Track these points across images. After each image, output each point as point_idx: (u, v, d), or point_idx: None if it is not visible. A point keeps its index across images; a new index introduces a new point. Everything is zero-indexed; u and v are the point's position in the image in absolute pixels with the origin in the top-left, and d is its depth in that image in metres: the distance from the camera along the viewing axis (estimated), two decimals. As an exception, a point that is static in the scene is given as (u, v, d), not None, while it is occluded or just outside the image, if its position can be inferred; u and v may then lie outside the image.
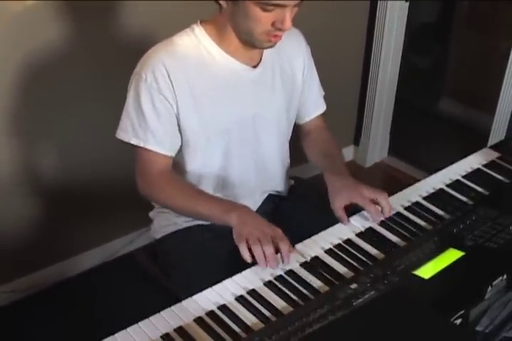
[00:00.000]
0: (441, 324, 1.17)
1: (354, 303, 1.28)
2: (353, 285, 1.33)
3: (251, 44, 1.60)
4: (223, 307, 1.34)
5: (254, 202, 1.81)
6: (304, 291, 1.39)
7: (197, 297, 1.38)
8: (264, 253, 1.43)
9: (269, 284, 1.41)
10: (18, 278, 2.60)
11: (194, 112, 1.64)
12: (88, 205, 2.66)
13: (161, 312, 1.33)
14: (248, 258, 1.44)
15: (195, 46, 1.64)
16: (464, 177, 1.82)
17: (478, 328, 1.25)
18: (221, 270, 1.51)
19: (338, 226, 1.62)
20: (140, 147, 1.65)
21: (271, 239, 1.45)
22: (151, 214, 1.92)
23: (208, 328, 1.29)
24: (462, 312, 1.23)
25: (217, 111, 1.67)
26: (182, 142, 1.69)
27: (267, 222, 1.52)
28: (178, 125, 1.65)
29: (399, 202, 1.71)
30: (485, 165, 1.88)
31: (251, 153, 1.78)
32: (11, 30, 2.17)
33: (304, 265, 1.47)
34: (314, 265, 1.47)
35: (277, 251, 1.45)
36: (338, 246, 1.54)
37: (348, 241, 1.55)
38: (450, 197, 1.74)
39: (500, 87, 2.76)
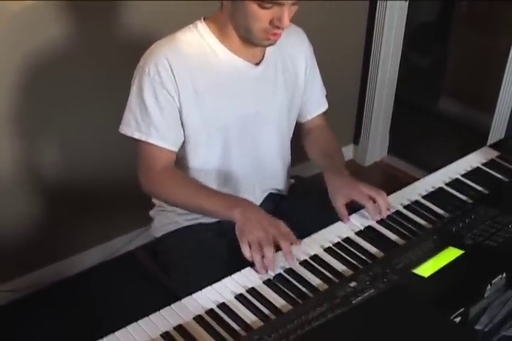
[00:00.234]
0: (441, 322, 1.17)
1: (353, 301, 1.28)
2: (353, 284, 1.33)
3: (250, 41, 1.61)
4: (223, 306, 1.34)
5: (254, 200, 1.81)
6: (304, 289, 1.39)
7: (197, 295, 1.38)
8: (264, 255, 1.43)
9: (268, 282, 1.41)
10: (19, 277, 2.60)
11: (196, 107, 1.64)
12: (88, 204, 2.66)
13: (161, 311, 1.33)
14: (249, 258, 1.44)
15: (198, 42, 1.64)
16: (463, 176, 1.82)
17: (478, 327, 1.25)
18: (221, 268, 1.51)
19: (337, 225, 1.62)
20: (143, 141, 1.65)
21: (272, 239, 1.45)
22: (151, 212, 1.92)
23: (208, 326, 1.29)
24: (462, 310, 1.24)
25: (219, 108, 1.67)
26: (184, 137, 1.69)
27: (270, 218, 1.51)
28: (181, 120, 1.66)
29: (398, 200, 1.71)
30: (484, 164, 1.88)
31: (251, 150, 1.78)
32: (11, 29, 2.17)
33: (304, 263, 1.47)
34: (313, 263, 1.47)
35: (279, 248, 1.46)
36: (338, 244, 1.54)
37: (348, 240, 1.56)
38: (449, 196, 1.74)
39: (500, 86, 2.76)
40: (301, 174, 2.13)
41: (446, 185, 1.78)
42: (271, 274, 1.43)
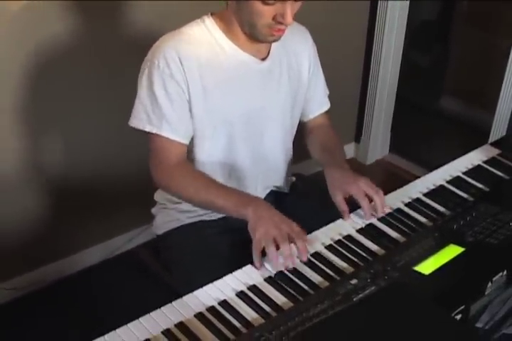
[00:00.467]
0: (442, 319, 1.17)
1: (354, 299, 1.28)
2: (354, 281, 1.33)
3: (255, 37, 1.62)
4: (224, 303, 1.34)
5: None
6: (304, 287, 1.39)
7: (198, 292, 1.38)
8: (275, 253, 1.43)
9: (269, 280, 1.41)
10: (20, 275, 2.61)
11: (202, 100, 1.64)
12: (89, 203, 2.67)
13: (162, 308, 1.33)
14: (257, 262, 1.44)
15: (206, 36, 1.65)
16: (464, 173, 1.82)
17: (478, 325, 1.26)
18: (222, 266, 1.50)
19: (338, 222, 1.62)
20: (154, 134, 1.65)
21: (287, 237, 1.45)
22: (153, 210, 1.92)
23: (209, 324, 1.29)
24: (462, 307, 1.24)
25: (225, 102, 1.67)
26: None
27: (283, 217, 1.51)
28: (189, 112, 1.66)
29: (399, 198, 1.71)
30: (485, 162, 1.88)
31: (255, 145, 1.78)
32: (13, 29, 2.18)
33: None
34: (314, 260, 1.47)
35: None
36: (339, 241, 1.54)
37: (349, 237, 1.56)
38: (450, 194, 1.74)
39: (501, 85, 2.76)
40: (303, 172, 2.13)
41: (447, 182, 1.78)
42: (272, 272, 1.43)
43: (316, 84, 1.90)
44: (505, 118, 2.80)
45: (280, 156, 1.87)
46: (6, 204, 2.45)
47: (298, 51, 1.81)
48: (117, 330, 1.27)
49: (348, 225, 1.61)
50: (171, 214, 1.84)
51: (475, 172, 1.83)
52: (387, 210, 1.65)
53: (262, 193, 1.87)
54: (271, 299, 1.36)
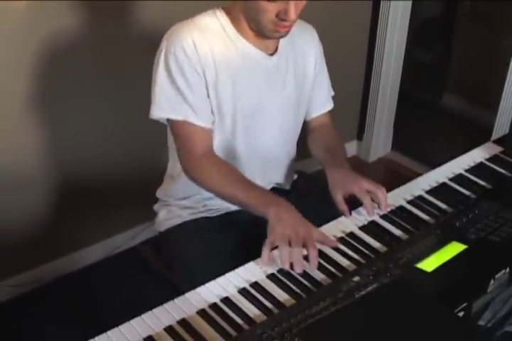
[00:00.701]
0: (444, 316, 1.17)
1: (356, 296, 1.27)
2: (356, 278, 1.33)
3: (262, 34, 1.63)
4: (226, 300, 1.34)
5: None
6: (307, 284, 1.39)
7: (200, 289, 1.38)
8: (287, 253, 1.42)
9: (272, 277, 1.41)
10: (22, 272, 2.61)
11: (214, 89, 1.65)
12: (91, 200, 2.67)
13: (164, 305, 1.33)
14: (265, 257, 1.44)
15: (217, 27, 1.66)
16: (466, 171, 1.82)
17: (481, 322, 1.25)
18: (224, 263, 1.50)
19: (340, 220, 1.62)
20: (179, 122, 1.64)
21: (302, 241, 1.44)
22: (155, 207, 1.92)
23: (211, 320, 1.29)
24: (465, 305, 1.24)
25: (234, 94, 1.68)
26: None
27: (303, 220, 1.51)
28: None
29: (402, 195, 1.71)
30: (488, 159, 1.88)
31: (254, 141, 1.78)
32: (19, 28, 2.19)
33: (307, 258, 1.46)
34: (317, 258, 1.47)
35: None
36: (341, 239, 1.54)
37: (351, 235, 1.56)
38: (453, 191, 1.74)
39: (504, 82, 2.76)
40: (305, 169, 2.13)
41: (450, 180, 1.78)
42: (274, 268, 1.43)
43: (320, 83, 1.91)
44: (508, 116, 2.80)
45: (281, 154, 1.87)
46: (8, 202, 2.45)
47: (305, 49, 1.82)
48: (120, 327, 1.27)
49: (350, 222, 1.61)
50: (173, 210, 1.84)
51: (477, 169, 1.83)
52: (389, 208, 1.65)
53: None
54: (273, 296, 1.36)
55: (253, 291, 1.37)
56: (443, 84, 4.08)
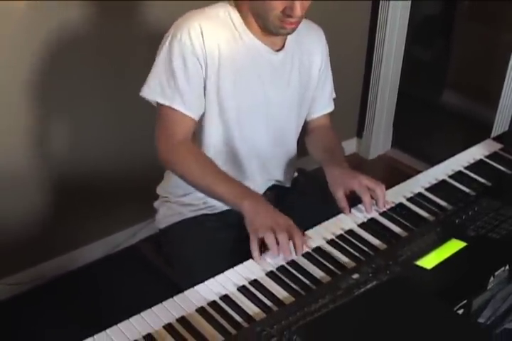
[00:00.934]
0: (444, 313, 1.17)
1: (356, 293, 1.27)
2: (355, 276, 1.33)
3: (269, 30, 1.63)
4: (225, 298, 1.34)
5: (255, 187, 1.81)
6: (306, 281, 1.39)
7: (199, 287, 1.38)
8: (277, 241, 1.43)
9: (271, 274, 1.41)
10: (22, 270, 2.61)
11: (216, 82, 1.65)
12: (91, 198, 2.67)
13: (164, 303, 1.33)
14: (255, 252, 1.44)
15: (227, 20, 1.66)
16: (466, 168, 1.82)
17: (481, 320, 1.25)
18: (224, 260, 1.51)
19: (340, 217, 1.62)
20: (166, 107, 1.64)
21: (285, 229, 1.44)
22: (155, 204, 1.92)
23: (210, 318, 1.29)
24: (464, 302, 1.24)
25: (236, 88, 1.67)
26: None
27: (280, 213, 1.51)
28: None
29: (401, 193, 1.71)
30: (487, 157, 1.88)
31: (254, 137, 1.78)
32: (20, 27, 2.19)
33: (306, 255, 1.47)
34: (316, 255, 1.47)
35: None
36: (341, 236, 1.54)
37: (350, 232, 1.55)
38: (452, 188, 1.74)
39: (503, 79, 2.76)
40: (305, 167, 2.13)
41: (449, 177, 1.78)
42: (273, 266, 1.43)
43: (324, 84, 1.91)
44: (508, 113, 2.80)
45: (280, 152, 1.87)
46: (8, 200, 2.45)
47: (311, 49, 1.82)
48: (119, 325, 1.27)
49: (349, 220, 1.60)
50: (173, 207, 1.84)
51: (477, 166, 1.83)
52: (389, 205, 1.65)
53: (262, 185, 1.87)
54: (272, 293, 1.35)
55: (252, 289, 1.37)
56: (442, 81, 4.08)
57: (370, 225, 1.58)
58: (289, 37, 1.73)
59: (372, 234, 1.55)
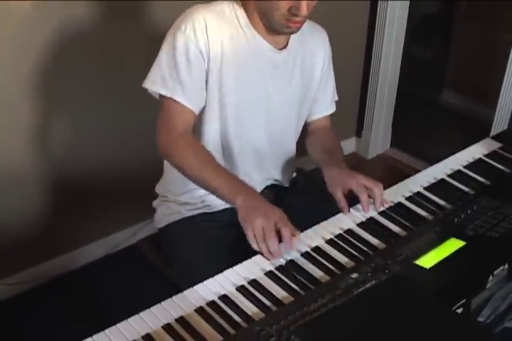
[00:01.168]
0: (443, 313, 1.17)
1: (355, 293, 1.27)
2: (354, 275, 1.33)
3: (273, 29, 1.64)
4: (224, 297, 1.34)
5: (253, 185, 1.81)
6: (305, 281, 1.39)
7: (198, 287, 1.37)
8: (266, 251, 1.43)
9: (269, 274, 1.41)
10: (23, 270, 2.61)
11: (217, 77, 1.65)
12: (91, 198, 2.67)
13: (162, 303, 1.33)
14: (256, 248, 1.44)
15: (232, 16, 1.67)
16: (465, 167, 1.82)
17: (480, 319, 1.25)
18: (223, 259, 1.51)
19: (339, 217, 1.61)
20: (167, 98, 1.64)
21: (274, 228, 1.44)
22: (154, 203, 1.92)
23: (209, 318, 1.29)
24: (463, 301, 1.23)
25: (237, 84, 1.68)
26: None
27: (271, 206, 1.50)
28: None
29: (400, 192, 1.71)
30: (486, 155, 1.88)
31: (253, 132, 1.78)
32: (23, 28, 2.19)
33: (305, 255, 1.47)
34: (315, 255, 1.47)
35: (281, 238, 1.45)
36: (339, 236, 1.53)
37: (349, 231, 1.55)
38: (451, 187, 1.73)
39: (502, 78, 2.76)
40: (304, 167, 2.13)
41: (448, 176, 1.78)
42: (272, 265, 1.43)
43: (326, 85, 1.91)
44: (507, 112, 2.80)
45: (278, 150, 1.87)
46: (8, 200, 2.45)
47: (314, 50, 1.82)
48: (118, 325, 1.27)
49: (348, 219, 1.60)
50: (171, 206, 1.84)
51: (476, 165, 1.83)
52: (388, 204, 1.65)
53: (260, 184, 1.86)
54: (271, 293, 1.35)
55: (251, 289, 1.37)
56: (441, 80, 4.08)
57: (369, 225, 1.58)
58: (292, 37, 1.74)
59: (371, 234, 1.54)
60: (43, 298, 2.61)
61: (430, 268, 1.32)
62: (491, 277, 1.29)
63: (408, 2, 3.20)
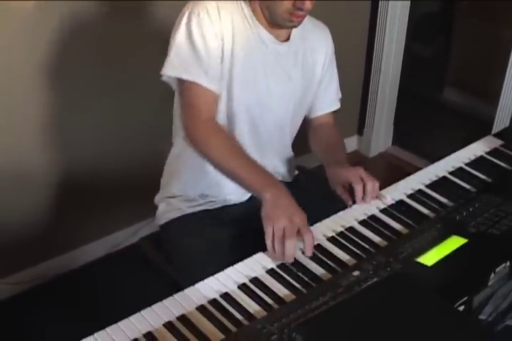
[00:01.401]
0: (445, 310, 1.17)
1: (356, 290, 1.27)
2: (356, 273, 1.32)
3: (276, 23, 1.65)
4: (226, 296, 1.34)
5: None
6: (307, 279, 1.38)
7: (199, 285, 1.37)
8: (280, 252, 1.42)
9: (271, 272, 1.40)
10: (23, 269, 2.61)
11: (229, 63, 1.66)
12: (91, 197, 2.67)
13: (164, 301, 1.33)
14: (270, 247, 1.43)
15: (238, 7, 1.68)
16: (467, 164, 1.82)
17: (482, 316, 1.25)
18: (224, 256, 1.51)
19: (340, 214, 1.61)
20: (190, 83, 1.63)
21: (296, 230, 1.43)
22: (156, 199, 1.92)
23: (211, 316, 1.29)
24: (465, 299, 1.23)
25: (244, 75, 1.68)
26: None
27: (298, 210, 1.49)
28: None
29: (402, 189, 1.70)
30: (488, 153, 1.88)
31: (253, 128, 1.78)
32: (27, 27, 2.19)
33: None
34: (317, 253, 1.46)
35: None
36: (341, 233, 1.53)
37: (351, 229, 1.55)
38: (453, 185, 1.73)
39: (504, 76, 2.75)
40: (305, 164, 2.13)
41: (450, 173, 1.78)
42: (274, 263, 1.43)
43: (329, 82, 1.92)
44: (508, 110, 2.80)
45: (277, 139, 1.86)
46: (8, 199, 2.45)
47: (315, 47, 1.83)
48: (119, 323, 1.27)
49: (350, 217, 1.60)
50: (172, 203, 1.83)
51: (477, 163, 1.83)
52: (386, 200, 1.65)
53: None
54: (273, 291, 1.35)
55: (253, 287, 1.36)
56: (443, 78, 4.08)
57: (370, 222, 1.58)
58: (294, 32, 1.74)
59: (372, 231, 1.54)
60: (43, 298, 2.61)
61: (432, 266, 1.32)
62: (492, 274, 1.29)
63: (409, 2, 3.20)
